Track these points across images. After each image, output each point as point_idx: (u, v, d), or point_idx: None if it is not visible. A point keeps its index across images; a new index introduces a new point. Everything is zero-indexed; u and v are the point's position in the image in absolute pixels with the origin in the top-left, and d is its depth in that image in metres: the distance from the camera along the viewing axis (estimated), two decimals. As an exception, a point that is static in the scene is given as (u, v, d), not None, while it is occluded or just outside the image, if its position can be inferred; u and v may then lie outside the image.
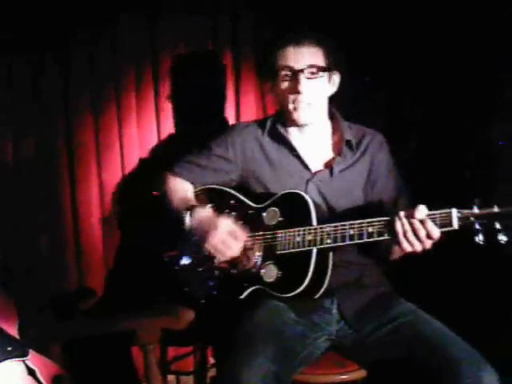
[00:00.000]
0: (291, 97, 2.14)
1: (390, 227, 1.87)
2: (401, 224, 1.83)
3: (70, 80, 2.68)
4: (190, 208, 2.14)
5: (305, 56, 2.11)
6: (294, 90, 2.12)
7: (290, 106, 2.16)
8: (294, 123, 2.22)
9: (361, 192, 2.21)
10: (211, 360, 2.63)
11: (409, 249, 1.84)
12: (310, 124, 2.22)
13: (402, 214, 1.83)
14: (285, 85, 2.15)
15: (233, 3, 2.93)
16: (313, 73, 2.12)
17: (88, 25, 2.66)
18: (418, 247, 1.83)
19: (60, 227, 2.70)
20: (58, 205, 2.70)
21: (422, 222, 1.80)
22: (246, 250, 2.08)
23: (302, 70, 2.10)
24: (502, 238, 1.72)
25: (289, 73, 2.13)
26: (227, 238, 2.03)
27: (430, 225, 1.80)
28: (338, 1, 2.99)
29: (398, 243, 1.85)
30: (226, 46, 2.95)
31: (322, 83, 2.17)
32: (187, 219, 2.12)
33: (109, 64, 2.73)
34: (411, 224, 1.82)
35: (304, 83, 2.11)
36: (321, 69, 2.13)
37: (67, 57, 2.66)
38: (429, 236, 1.81)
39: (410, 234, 1.82)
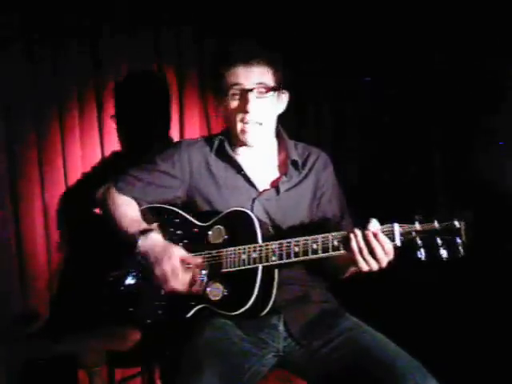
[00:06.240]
0: (239, 116, 2.14)
1: (344, 242, 1.88)
2: (355, 240, 1.84)
3: (12, 99, 2.62)
4: (143, 232, 2.12)
5: (255, 75, 2.11)
6: (243, 109, 2.12)
7: (238, 126, 2.16)
8: (242, 143, 2.22)
9: (306, 210, 2.24)
10: (159, 382, 2.60)
11: (364, 266, 1.85)
12: (258, 145, 2.23)
13: (356, 229, 1.85)
14: (234, 103, 2.15)
15: (175, 20, 2.95)
16: (262, 92, 2.13)
17: (28, 43, 2.62)
18: (374, 264, 1.84)
19: (2, 248, 2.63)
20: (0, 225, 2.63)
21: (375, 235, 1.82)
22: (191, 269, 2.07)
23: (251, 90, 2.11)
24: (443, 253, 1.76)
25: (238, 91, 2.13)
26: (178, 267, 2.02)
27: (382, 237, 1.81)
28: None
29: (354, 260, 1.86)
30: (170, 64, 2.96)
31: (271, 102, 2.17)
32: (140, 243, 2.10)
33: (51, 84, 2.69)
34: (365, 237, 1.83)
35: (253, 102, 2.11)
36: (270, 88, 2.14)
37: (8, 75, 2.60)
38: (382, 250, 1.82)
39: (365, 252, 1.83)
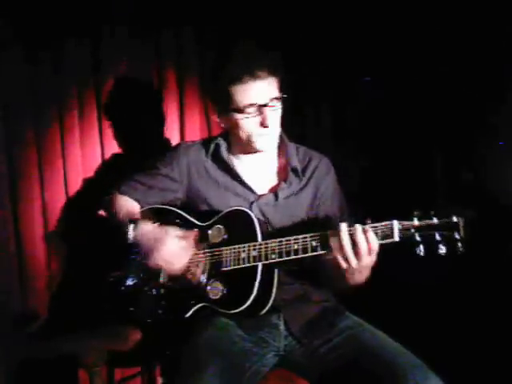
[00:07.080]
0: (258, 131, 2.11)
1: (327, 240, 1.88)
2: (339, 235, 1.83)
3: (12, 99, 2.62)
4: (135, 221, 2.13)
5: (265, 89, 2.08)
6: (262, 124, 2.09)
7: (254, 138, 2.13)
8: (249, 150, 2.20)
9: (304, 216, 2.22)
10: (159, 380, 2.60)
11: (344, 264, 1.85)
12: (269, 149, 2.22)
13: (343, 225, 1.84)
14: (249, 120, 2.10)
15: (175, 20, 2.95)
16: (274, 105, 2.11)
17: (28, 43, 2.62)
18: (353, 262, 1.83)
19: (2, 248, 2.62)
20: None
21: (364, 231, 1.81)
22: (191, 268, 2.08)
23: (265, 105, 2.08)
24: (442, 249, 1.76)
25: (252, 109, 2.08)
26: (176, 248, 2.03)
27: (371, 235, 1.81)
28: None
29: (335, 258, 1.85)
30: (170, 64, 2.97)
31: (280, 109, 2.15)
32: (131, 231, 2.12)
33: (51, 84, 2.69)
34: (352, 235, 1.82)
35: (270, 117, 2.09)
36: (280, 98, 2.13)
37: (8, 75, 2.61)
38: (369, 248, 1.81)
39: (348, 248, 1.82)
